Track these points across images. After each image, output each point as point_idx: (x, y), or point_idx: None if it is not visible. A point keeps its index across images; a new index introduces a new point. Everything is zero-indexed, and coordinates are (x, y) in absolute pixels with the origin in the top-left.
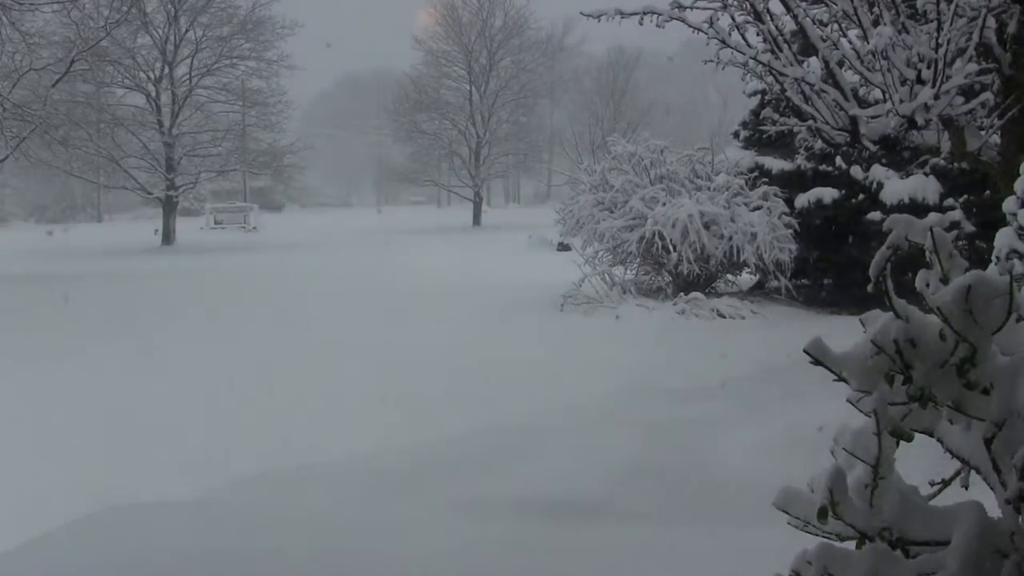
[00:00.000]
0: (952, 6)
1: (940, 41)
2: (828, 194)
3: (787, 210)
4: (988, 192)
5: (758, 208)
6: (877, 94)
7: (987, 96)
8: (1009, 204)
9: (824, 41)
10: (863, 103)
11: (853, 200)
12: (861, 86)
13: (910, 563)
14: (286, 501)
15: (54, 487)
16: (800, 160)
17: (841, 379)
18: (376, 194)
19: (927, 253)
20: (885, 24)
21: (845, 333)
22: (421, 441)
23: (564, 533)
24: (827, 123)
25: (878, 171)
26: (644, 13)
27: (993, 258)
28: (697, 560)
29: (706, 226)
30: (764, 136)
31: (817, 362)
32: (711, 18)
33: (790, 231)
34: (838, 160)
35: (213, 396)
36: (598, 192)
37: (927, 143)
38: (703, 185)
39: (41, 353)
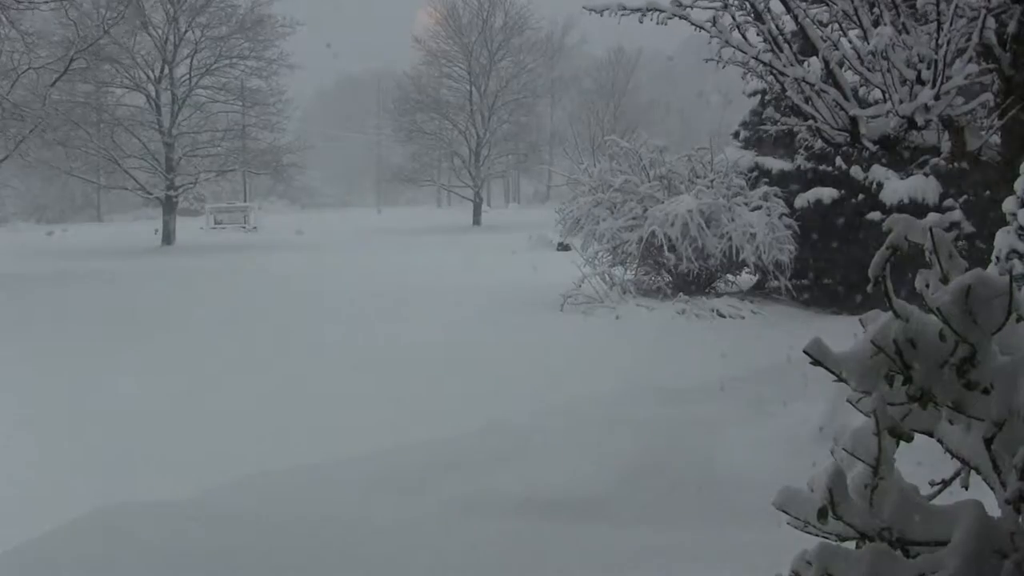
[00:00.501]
0: (952, 6)
1: (940, 41)
2: (828, 194)
3: (787, 210)
4: (988, 192)
5: (758, 208)
6: (877, 94)
7: (987, 96)
8: (1009, 204)
9: (824, 41)
10: (863, 103)
11: (853, 200)
12: (861, 86)
13: (910, 563)
14: (286, 501)
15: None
16: (800, 160)
17: (841, 379)
18: (376, 194)
19: (927, 253)
20: (885, 24)
21: (845, 333)
22: (421, 441)
23: (564, 533)
24: (827, 123)
25: (878, 171)
26: (647, 10)
27: (993, 258)
28: (697, 560)
29: (706, 222)
30: (764, 136)
31: (817, 362)
32: (714, 17)
33: (789, 231)
34: (838, 160)
35: (211, 395)
36: (597, 193)
37: (927, 143)
38: (702, 183)
39: (45, 352)
